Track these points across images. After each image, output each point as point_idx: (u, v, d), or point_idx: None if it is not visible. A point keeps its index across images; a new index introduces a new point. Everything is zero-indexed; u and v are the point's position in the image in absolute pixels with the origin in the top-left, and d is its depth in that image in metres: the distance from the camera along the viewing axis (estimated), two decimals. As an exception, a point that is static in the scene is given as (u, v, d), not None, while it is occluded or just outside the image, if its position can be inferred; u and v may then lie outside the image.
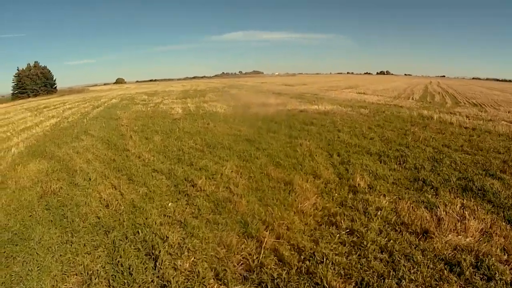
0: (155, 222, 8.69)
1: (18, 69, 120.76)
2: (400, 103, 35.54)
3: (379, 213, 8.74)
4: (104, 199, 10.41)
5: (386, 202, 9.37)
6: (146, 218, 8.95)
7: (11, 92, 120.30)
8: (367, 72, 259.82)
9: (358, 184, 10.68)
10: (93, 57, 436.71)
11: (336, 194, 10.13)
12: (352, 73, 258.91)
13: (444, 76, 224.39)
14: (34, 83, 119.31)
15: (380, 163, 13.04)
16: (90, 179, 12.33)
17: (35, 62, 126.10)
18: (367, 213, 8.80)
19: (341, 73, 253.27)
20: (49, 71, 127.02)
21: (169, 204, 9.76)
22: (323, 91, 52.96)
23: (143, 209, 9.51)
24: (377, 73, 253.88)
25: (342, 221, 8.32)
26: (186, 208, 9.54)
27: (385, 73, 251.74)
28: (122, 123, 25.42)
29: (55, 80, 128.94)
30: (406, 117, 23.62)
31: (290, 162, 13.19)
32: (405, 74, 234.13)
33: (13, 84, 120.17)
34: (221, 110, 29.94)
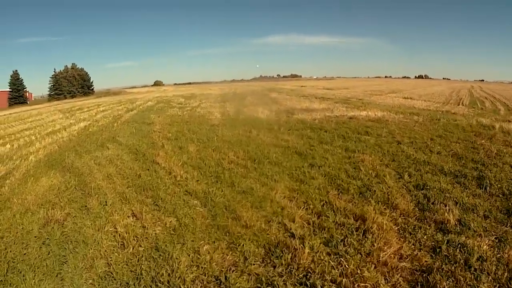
0: (185, 278, 6.21)
1: (54, 71, 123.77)
2: (451, 109, 33.03)
3: (484, 266, 6.25)
4: (119, 235, 7.95)
5: (486, 247, 6.83)
6: (173, 270, 6.44)
7: (48, 93, 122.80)
8: (405, 76, 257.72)
9: (447, 220, 7.97)
10: (133, 59, 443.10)
11: (422, 235, 7.49)
12: (390, 76, 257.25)
13: (483, 80, 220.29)
14: (71, 84, 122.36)
15: (460, 186, 10.36)
16: (106, 203, 9.98)
17: (72, 64, 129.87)
18: (470, 267, 6.29)
19: (379, 77, 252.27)
20: (86, 73, 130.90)
21: (204, 248, 7.14)
22: (367, 96, 50.64)
23: (169, 254, 6.97)
24: (415, 77, 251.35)
25: (444, 283, 5.79)
26: (227, 255, 6.92)
27: (424, 77, 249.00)
28: (154, 129, 23.32)
29: (92, 82, 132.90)
30: (466, 126, 20.77)
31: (355, 185, 10.58)
32: (443, 78, 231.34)
33: (50, 85, 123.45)
34: (263, 116, 27.42)
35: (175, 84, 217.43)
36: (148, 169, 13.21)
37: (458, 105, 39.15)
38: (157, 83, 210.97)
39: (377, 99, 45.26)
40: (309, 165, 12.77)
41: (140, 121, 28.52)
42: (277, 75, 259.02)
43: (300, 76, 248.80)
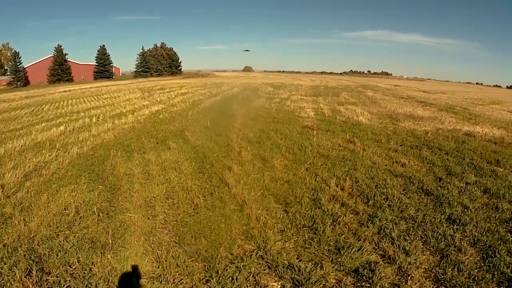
0: None
1: (143, 49, 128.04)
2: None
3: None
4: None
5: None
6: None
7: (134, 70, 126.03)
8: (496, 85, 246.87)
9: None
10: (225, 44, 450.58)
11: None
12: (482, 84, 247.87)
13: None
14: (159, 63, 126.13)
15: None
16: (124, 265, 5.94)
17: (162, 43, 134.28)
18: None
19: (470, 83, 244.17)
20: (175, 53, 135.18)
21: None
22: (470, 105, 44.51)
23: None
24: (507, 87, 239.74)
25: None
26: None
27: None
28: (234, 124, 19.36)
29: (180, 62, 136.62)
30: None
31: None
32: None
33: (137, 62, 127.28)
34: (364, 120, 22.75)
35: (265, 71, 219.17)
36: (212, 194, 9.16)
37: None
38: (246, 69, 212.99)
39: (482, 110, 39.29)
40: (446, 219, 8.21)
41: (220, 111, 25.29)
42: (368, 71, 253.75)
43: (391, 74, 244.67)
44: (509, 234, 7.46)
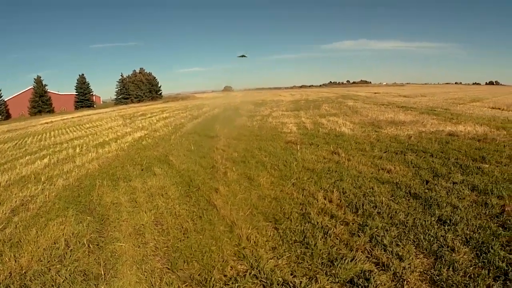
0: None
1: (122, 75, 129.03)
2: None
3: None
4: None
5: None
6: None
7: (115, 97, 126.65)
8: (475, 82, 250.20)
9: None
10: (204, 66, 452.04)
11: None
12: (461, 83, 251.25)
13: None
14: (139, 88, 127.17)
15: None
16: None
17: (140, 68, 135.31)
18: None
19: (449, 83, 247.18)
20: (154, 77, 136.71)
21: None
22: (450, 105, 44.95)
23: None
24: (486, 83, 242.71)
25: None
26: None
27: (494, 83, 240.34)
28: (217, 145, 19.39)
29: (160, 87, 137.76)
30: None
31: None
32: None
33: (117, 89, 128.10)
34: (347, 130, 22.79)
35: (245, 89, 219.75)
36: (201, 217, 9.16)
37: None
38: (226, 89, 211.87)
39: (463, 108, 39.80)
40: (437, 220, 8.29)
41: (203, 133, 25.24)
42: (347, 81, 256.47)
43: (370, 82, 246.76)
44: (500, 229, 7.57)
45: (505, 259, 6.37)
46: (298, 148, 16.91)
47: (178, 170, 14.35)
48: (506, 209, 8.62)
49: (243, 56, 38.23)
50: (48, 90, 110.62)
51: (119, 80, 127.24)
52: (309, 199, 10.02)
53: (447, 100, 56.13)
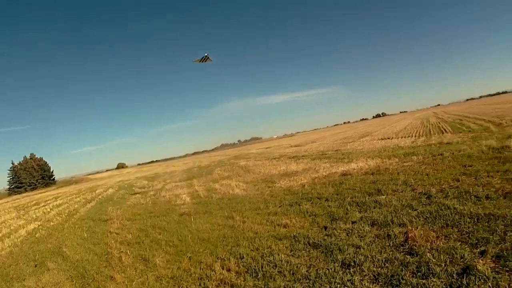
0: None
1: (12, 163, 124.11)
2: (441, 139, 31.38)
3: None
4: None
5: None
6: None
7: (8, 187, 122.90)
8: (363, 118, 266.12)
9: None
10: (94, 144, 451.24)
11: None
12: (349, 121, 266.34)
13: (439, 104, 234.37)
14: (31, 175, 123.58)
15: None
16: None
17: (31, 154, 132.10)
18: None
19: (337, 124, 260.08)
20: (46, 162, 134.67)
21: None
22: (341, 145, 47.49)
23: None
24: (373, 117, 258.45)
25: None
26: None
27: (381, 114, 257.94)
28: (111, 229, 18.82)
29: (52, 172, 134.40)
30: (478, 154, 18.51)
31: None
32: (400, 112, 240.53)
33: (9, 178, 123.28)
34: (240, 191, 22.91)
35: (139, 164, 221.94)
36: (95, 313, 8.66)
37: (442, 133, 37.90)
38: (120, 166, 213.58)
39: (353, 146, 42.20)
40: (340, 265, 8.34)
41: (97, 218, 24.54)
42: (238, 140, 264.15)
43: (261, 138, 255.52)
44: (408, 256, 7.83)
45: (419, 285, 6.52)
46: (192, 220, 16.73)
47: (72, 262, 13.83)
48: (409, 235, 8.97)
49: (204, 59, 30.85)
50: None
51: (10, 168, 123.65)
52: (207, 272, 9.79)
53: (337, 141, 58.82)
